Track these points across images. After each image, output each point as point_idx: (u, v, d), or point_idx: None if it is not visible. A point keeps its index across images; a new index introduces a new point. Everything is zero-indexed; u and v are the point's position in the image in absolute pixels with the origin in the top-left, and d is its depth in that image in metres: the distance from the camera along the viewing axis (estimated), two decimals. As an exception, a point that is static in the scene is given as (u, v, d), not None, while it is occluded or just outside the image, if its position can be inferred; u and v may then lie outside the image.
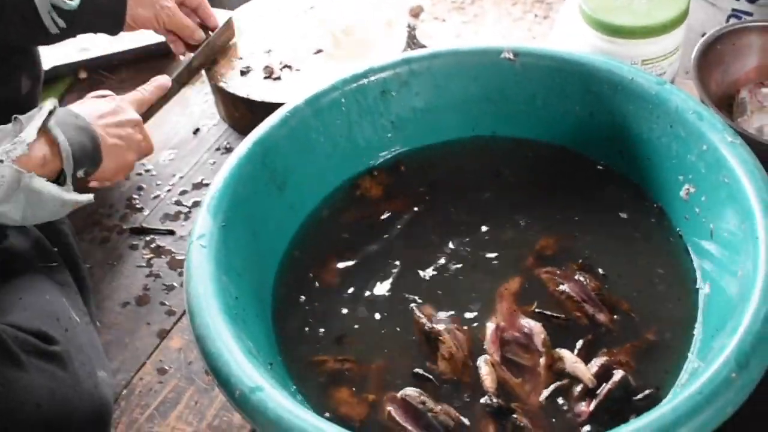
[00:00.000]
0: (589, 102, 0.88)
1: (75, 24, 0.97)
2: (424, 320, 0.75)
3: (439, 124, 0.94)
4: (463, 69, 0.91)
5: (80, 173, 0.83)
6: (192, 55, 1.11)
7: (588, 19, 0.94)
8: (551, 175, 0.90)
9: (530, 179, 0.91)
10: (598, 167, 0.89)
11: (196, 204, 1.03)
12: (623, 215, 0.85)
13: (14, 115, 0.79)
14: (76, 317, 0.80)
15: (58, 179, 0.79)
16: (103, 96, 1.00)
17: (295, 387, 0.73)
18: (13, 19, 0.93)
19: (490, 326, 0.75)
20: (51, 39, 0.98)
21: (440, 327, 0.74)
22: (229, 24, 1.16)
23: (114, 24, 1.03)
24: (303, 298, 0.81)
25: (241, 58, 1.14)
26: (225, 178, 0.79)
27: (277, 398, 0.61)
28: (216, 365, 0.64)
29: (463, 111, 0.94)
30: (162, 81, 1.05)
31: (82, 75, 1.33)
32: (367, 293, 0.81)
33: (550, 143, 0.92)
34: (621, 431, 0.56)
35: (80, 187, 0.82)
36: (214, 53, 1.13)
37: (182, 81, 1.09)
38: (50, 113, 0.79)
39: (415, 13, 2.15)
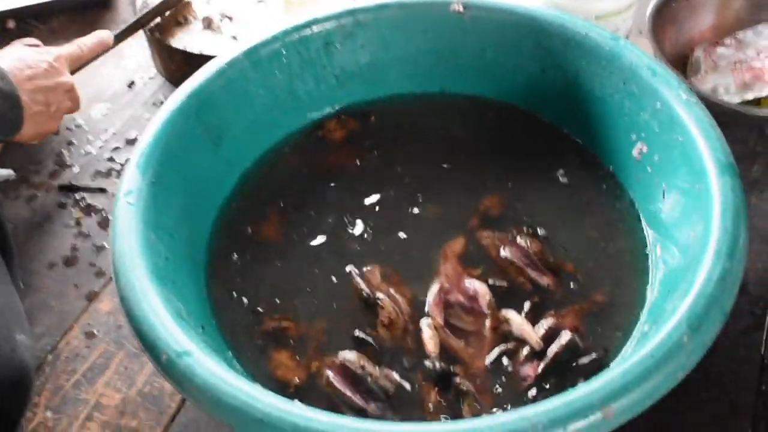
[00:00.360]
0: (540, 58, 0.85)
1: None
2: (362, 285, 0.72)
3: (385, 79, 0.90)
4: (410, 21, 0.87)
5: None
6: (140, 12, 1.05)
7: (541, -29, 0.91)
8: (500, 133, 0.87)
9: (478, 138, 0.87)
10: (549, 126, 0.87)
11: (129, 161, 0.97)
12: (573, 176, 0.82)
13: None
14: (-5, 279, 0.75)
15: None
16: (35, 45, 0.94)
17: (229, 350, 0.69)
18: None
19: (434, 288, 0.72)
20: None
21: (379, 293, 0.71)
22: None
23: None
24: (239, 256, 0.77)
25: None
26: (155, 132, 0.74)
27: (207, 363, 0.57)
28: (141, 328, 0.60)
29: (411, 66, 0.90)
30: (103, 37, 0.99)
31: (10, 25, 1.25)
32: (307, 251, 0.77)
33: (499, 101, 0.89)
34: (568, 396, 0.53)
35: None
36: (166, 10, 1.07)
37: (124, 37, 1.04)
38: None
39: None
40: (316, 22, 0.86)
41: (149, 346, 0.59)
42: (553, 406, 0.52)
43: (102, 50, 0.99)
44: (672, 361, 0.55)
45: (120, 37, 1.03)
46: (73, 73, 0.94)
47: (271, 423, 0.53)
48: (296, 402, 0.57)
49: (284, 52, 0.84)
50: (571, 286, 0.72)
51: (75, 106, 0.92)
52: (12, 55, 0.86)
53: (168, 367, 0.58)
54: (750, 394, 0.69)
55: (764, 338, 0.74)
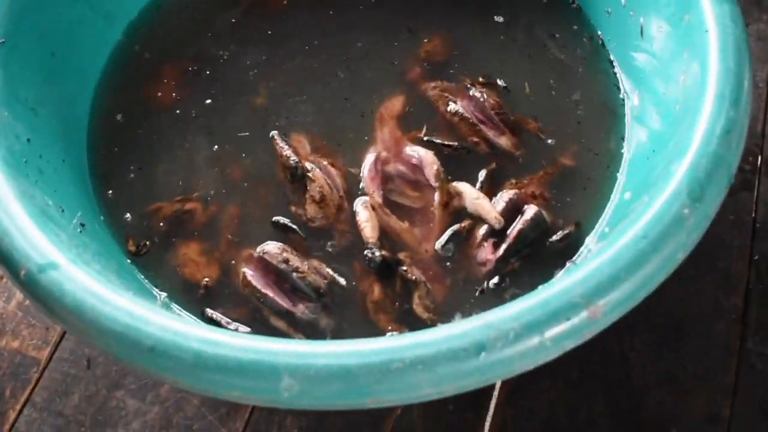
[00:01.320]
0: None
1: None
2: (288, 152, 0.58)
3: None
4: None
5: None
6: None
7: None
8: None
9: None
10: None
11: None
12: (528, 12, 0.68)
13: None
14: None
15: None
16: None
17: (121, 251, 0.56)
18: None
19: (369, 158, 0.59)
20: None
21: (309, 163, 0.58)
22: None
23: None
24: (128, 128, 0.63)
25: None
26: (3, -24, 0.58)
27: (79, 277, 0.44)
28: (-8, 235, 0.46)
29: None
30: None
31: None
32: (215, 116, 0.63)
33: None
34: (544, 293, 0.41)
35: None
36: None
37: None
38: None
39: None
40: None
41: (4, 258, 0.46)
42: (526, 307, 0.41)
43: None
44: (670, 240, 0.43)
45: None
46: None
47: (165, 351, 0.41)
48: (196, 321, 0.45)
49: None
50: (534, 147, 0.60)
51: None
52: None
53: (29, 284, 0.44)
54: (742, 264, 0.59)
55: (755, 199, 0.63)
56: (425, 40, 0.66)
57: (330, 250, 0.55)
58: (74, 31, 0.63)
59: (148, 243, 0.57)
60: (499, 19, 0.67)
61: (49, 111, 0.58)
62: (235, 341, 0.41)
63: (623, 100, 0.61)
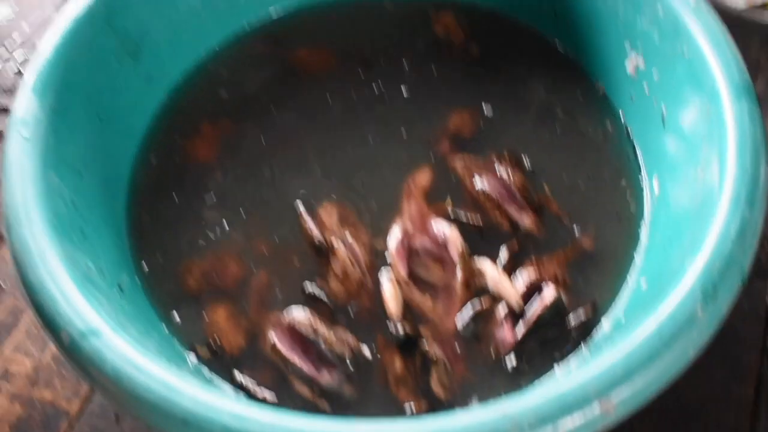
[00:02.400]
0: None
1: None
2: (312, 226, 0.61)
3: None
4: None
5: None
6: None
7: None
8: (472, 40, 0.75)
9: (447, 44, 0.75)
10: (526, 30, 0.74)
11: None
12: (555, 93, 0.70)
13: None
14: None
15: None
16: None
17: (154, 313, 0.59)
18: None
19: (395, 231, 0.61)
20: None
21: (333, 237, 0.60)
22: None
23: None
24: (167, 190, 0.66)
25: None
26: (55, 46, 0.61)
27: (120, 346, 0.46)
28: (37, 299, 0.49)
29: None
30: None
31: None
32: (248, 179, 0.66)
33: (467, 2, 0.76)
34: (559, 385, 0.43)
35: None
36: None
37: None
38: None
39: None
40: None
41: (48, 322, 0.48)
42: (542, 400, 0.43)
43: None
44: (683, 338, 0.45)
45: None
46: None
47: (197, 424, 0.43)
48: (228, 395, 0.47)
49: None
50: (555, 228, 0.62)
51: None
52: None
53: (71, 350, 0.47)
54: (754, 353, 0.61)
55: (768, 288, 0.65)
56: (455, 114, 0.69)
57: (354, 320, 0.58)
58: (119, 94, 0.66)
59: (180, 306, 0.59)
60: (527, 98, 0.70)
61: (92, 172, 0.61)
62: (264, 418, 0.43)
63: (644, 186, 0.63)
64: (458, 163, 0.65)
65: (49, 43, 0.61)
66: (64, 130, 0.59)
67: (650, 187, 0.62)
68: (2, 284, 0.69)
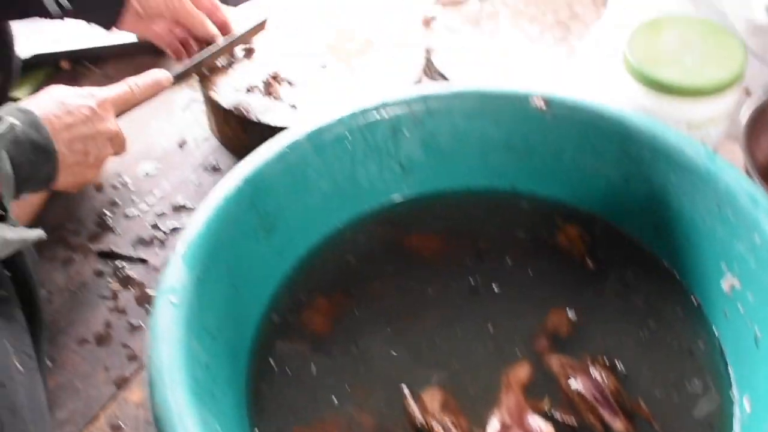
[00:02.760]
0: (625, 166, 0.78)
1: (76, 4, 0.88)
2: (415, 409, 0.66)
3: (453, 171, 0.84)
4: (486, 112, 0.81)
5: (24, 196, 0.73)
6: (209, 50, 1.00)
7: (631, 70, 0.84)
8: (573, 242, 0.80)
9: (549, 245, 0.81)
10: (628, 240, 0.80)
11: (175, 230, 0.92)
12: (651, 301, 0.75)
13: None
14: (19, 365, 0.69)
15: None
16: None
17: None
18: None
19: (494, 423, 0.65)
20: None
21: (435, 423, 0.64)
22: (262, 25, 1.06)
23: (113, 6, 0.92)
24: (284, 356, 0.72)
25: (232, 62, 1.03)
26: (206, 220, 0.69)
27: None
28: (174, 460, 0.54)
29: (481, 158, 0.84)
30: (160, 77, 0.91)
31: (64, 65, 1.22)
32: (357, 356, 0.72)
33: (574, 206, 0.82)
34: None
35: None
36: (227, 52, 1.03)
37: (183, 79, 0.98)
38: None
39: (427, 21, 2.05)
40: (384, 106, 0.80)
41: (181, 482, 0.53)
42: None
43: (157, 91, 0.91)
44: None
45: (180, 78, 0.96)
46: (121, 114, 0.88)
47: None
48: None
49: (349, 137, 0.79)
50: (646, 434, 0.65)
51: (119, 150, 0.86)
52: (52, 99, 0.80)
53: None
54: None
55: None
56: (553, 313, 0.73)
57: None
58: (252, 266, 0.73)
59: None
60: (624, 303, 0.74)
61: (223, 337, 0.67)
62: None
63: (735, 402, 0.66)
64: (554, 362, 0.69)
65: (201, 216, 0.69)
66: (207, 297, 0.65)
67: (740, 403, 0.65)
68: (123, 426, 0.75)
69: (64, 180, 0.78)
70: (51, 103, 0.78)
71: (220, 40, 1.01)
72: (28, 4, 0.86)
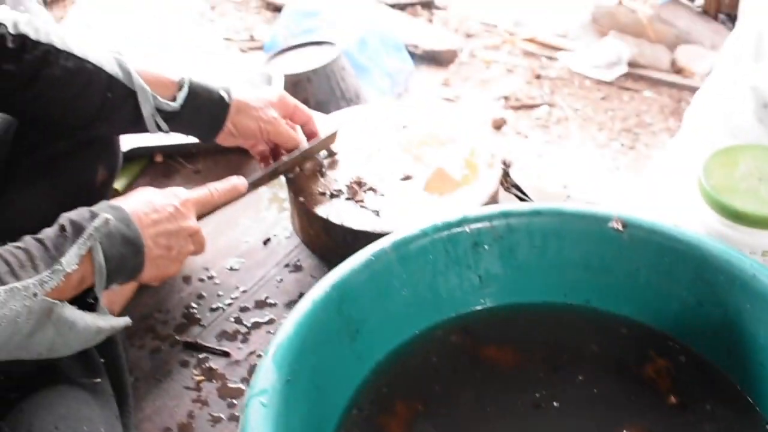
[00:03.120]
0: (699, 289, 0.80)
1: (174, 125, 0.94)
2: None
3: (529, 285, 0.87)
4: (564, 231, 0.85)
5: (113, 286, 0.78)
6: (283, 160, 1.05)
7: (706, 197, 0.87)
8: (645, 360, 0.82)
9: (621, 361, 0.82)
10: (701, 362, 0.81)
11: (257, 325, 0.97)
12: (725, 424, 0.75)
13: (62, 220, 0.75)
14: (113, 451, 0.73)
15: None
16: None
17: None
18: (115, 123, 0.91)
19: None
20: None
21: None
22: (332, 137, 1.11)
23: (211, 128, 0.98)
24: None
25: (323, 171, 1.08)
26: (296, 324, 0.73)
27: None
28: None
29: (558, 274, 0.86)
30: (237, 183, 0.97)
31: (158, 159, 1.30)
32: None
33: (647, 325, 0.84)
34: None
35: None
36: (304, 161, 1.08)
37: (259, 185, 1.04)
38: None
39: (498, 125, 2.11)
40: (467, 221, 0.84)
41: None
42: None
43: (235, 197, 0.97)
44: None
45: (255, 185, 1.01)
46: (201, 217, 0.93)
47: None
48: None
49: (431, 249, 0.83)
50: None
51: (199, 249, 0.91)
52: (140, 198, 0.86)
53: None
54: None
55: None
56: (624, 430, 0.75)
57: None
58: (335, 369, 0.76)
59: None
60: (714, 425, 0.75)
61: (307, 437, 0.70)
62: None
63: None
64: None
65: (291, 320, 0.73)
66: (293, 398, 0.69)
67: None
68: None
69: (149, 273, 0.83)
70: (139, 202, 0.84)
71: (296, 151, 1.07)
72: (135, 129, 0.94)
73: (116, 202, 0.83)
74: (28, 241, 0.72)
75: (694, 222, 0.89)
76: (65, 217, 0.75)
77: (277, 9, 3.23)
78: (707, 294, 0.79)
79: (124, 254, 0.78)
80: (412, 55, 2.74)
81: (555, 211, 0.85)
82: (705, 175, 0.88)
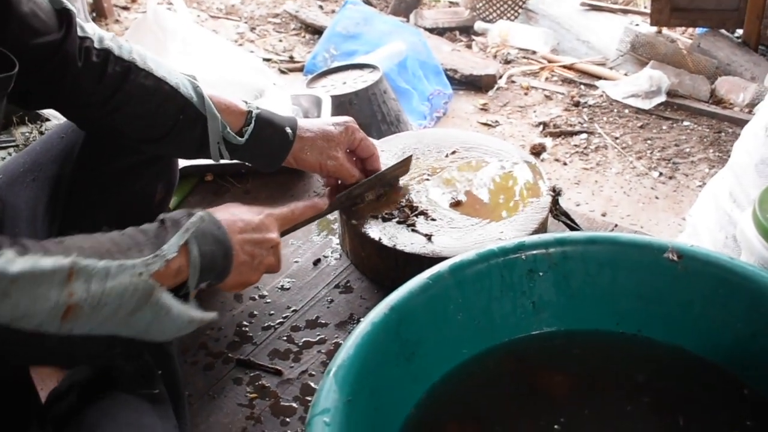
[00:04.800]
0: (753, 321, 0.80)
1: (236, 155, 0.97)
2: None
3: (582, 312, 0.88)
4: (619, 260, 0.85)
5: (203, 285, 0.80)
6: (360, 185, 1.06)
7: (762, 230, 0.87)
8: (696, 391, 0.82)
9: (671, 392, 0.82)
10: (754, 395, 0.81)
11: (308, 344, 0.98)
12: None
13: (162, 216, 0.78)
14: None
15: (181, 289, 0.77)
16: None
17: None
18: (182, 144, 0.93)
19: None
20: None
21: None
22: (406, 162, 1.12)
23: (271, 162, 1.01)
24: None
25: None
26: (356, 344, 0.74)
27: None
28: None
29: (611, 302, 0.87)
30: (318, 202, 0.99)
31: (209, 178, 1.32)
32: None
33: (699, 356, 0.84)
34: None
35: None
36: (375, 188, 1.10)
37: (337, 207, 1.05)
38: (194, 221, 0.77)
39: (537, 151, 2.12)
40: (523, 247, 0.85)
41: None
42: None
43: (314, 215, 0.99)
44: None
45: (333, 206, 1.03)
46: (284, 234, 0.95)
47: None
48: None
49: (488, 274, 0.84)
50: None
51: (277, 264, 0.92)
52: (228, 210, 0.88)
53: None
54: None
55: None
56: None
57: None
58: (391, 390, 0.77)
59: None
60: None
61: (364, 458, 0.71)
62: None
63: None
64: None
65: (351, 341, 0.74)
66: (354, 418, 0.70)
67: None
68: None
69: (233, 278, 0.85)
70: (226, 212, 0.87)
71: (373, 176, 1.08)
72: (197, 155, 0.97)
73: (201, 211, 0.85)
74: (130, 230, 0.75)
75: (748, 254, 0.89)
76: (162, 215, 0.78)
77: (317, 31, 3.28)
78: (761, 325, 0.80)
79: (215, 253, 0.80)
80: (451, 80, 2.76)
81: (610, 240, 0.86)
82: (761, 208, 0.88)
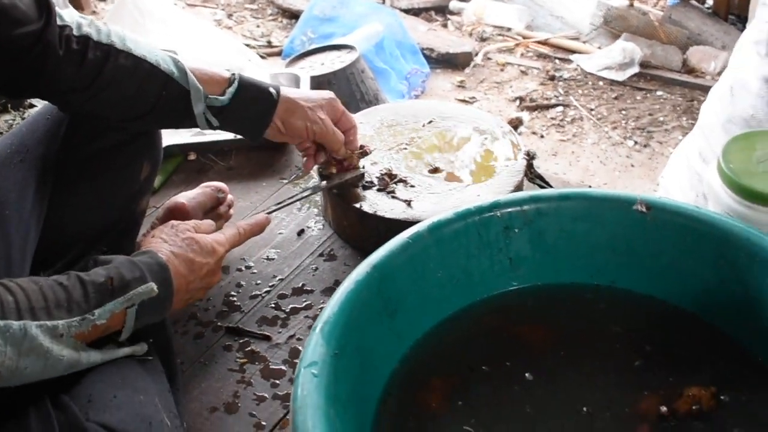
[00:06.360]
0: (720, 268, 0.84)
1: (222, 120, 0.97)
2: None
3: (557, 267, 0.91)
4: (591, 215, 0.89)
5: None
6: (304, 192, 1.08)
7: (726, 180, 0.91)
8: (667, 337, 0.86)
9: (644, 338, 0.86)
10: (722, 337, 0.85)
11: (294, 311, 1.01)
12: (750, 398, 0.79)
13: (112, 275, 0.77)
14: (168, 421, 0.77)
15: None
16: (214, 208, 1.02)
17: None
18: (167, 119, 0.95)
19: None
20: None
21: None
22: (359, 177, 1.12)
23: (259, 124, 1.00)
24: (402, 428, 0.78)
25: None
26: (341, 302, 0.77)
27: None
28: None
29: (584, 256, 0.91)
30: (261, 220, 0.99)
31: (191, 156, 1.34)
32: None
33: (669, 303, 0.88)
34: None
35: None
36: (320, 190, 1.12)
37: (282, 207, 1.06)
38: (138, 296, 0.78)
39: (514, 125, 2.15)
40: (498, 206, 0.88)
41: None
42: None
43: (258, 231, 0.99)
44: None
45: (272, 212, 1.04)
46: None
47: None
48: None
49: (465, 232, 0.87)
50: None
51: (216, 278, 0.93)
52: (186, 255, 0.87)
53: None
54: None
55: None
56: (643, 401, 0.78)
57: None
58: (376, 347, 0.80)
59: None
60: (738, 398, 0.78)
61: (352, 409, 0.74)
62: None
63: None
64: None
65: (336, 298, 0.77)
66: (340, 371, 0.73)
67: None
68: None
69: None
70: (184, 261, 0.86)
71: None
72: (185, 125, 0.98)
73: (165, 253, 0.85)
74: (72, 279, 0.75)
75: (715, 204, 0.92)
76: (116, 269, 0.78)
77: (294, 16, 3.28)
78: (728, 272, 0.83)
79: (154, 315, 0.81)
80: (428, 58, 2.78)
81: (582, 196, 0.89)
82: (724, 159, 0.92)
